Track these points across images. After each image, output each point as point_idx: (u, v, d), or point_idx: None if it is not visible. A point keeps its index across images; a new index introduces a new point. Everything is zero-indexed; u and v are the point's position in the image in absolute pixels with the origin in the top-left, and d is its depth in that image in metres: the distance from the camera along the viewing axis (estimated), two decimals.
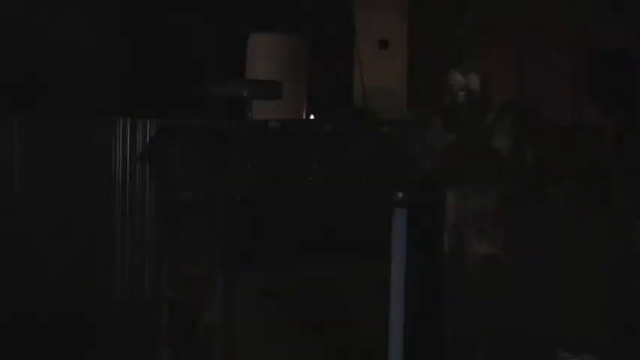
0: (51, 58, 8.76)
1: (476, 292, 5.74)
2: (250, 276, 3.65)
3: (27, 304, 6.51)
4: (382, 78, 8.38)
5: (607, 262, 5.77)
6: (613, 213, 5.97)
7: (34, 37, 8.66)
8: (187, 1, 11.25)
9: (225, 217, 3.75)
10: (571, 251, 5.94)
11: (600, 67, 8.79)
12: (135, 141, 6.89)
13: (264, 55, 6.81)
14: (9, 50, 8.42)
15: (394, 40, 9.39)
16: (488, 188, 6.16)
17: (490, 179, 6.16)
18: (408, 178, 4.00)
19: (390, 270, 3.26)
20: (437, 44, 9.28)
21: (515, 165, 6.11)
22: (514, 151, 6.16)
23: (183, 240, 3.92)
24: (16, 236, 6.58)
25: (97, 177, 6.86)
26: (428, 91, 6.73)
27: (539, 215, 6.09)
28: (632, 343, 4.96)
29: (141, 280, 6.95)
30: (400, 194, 3.26)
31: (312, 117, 7.21)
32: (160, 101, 10.46)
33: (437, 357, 4.87)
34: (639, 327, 5.00)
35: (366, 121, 5.66)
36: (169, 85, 11.06)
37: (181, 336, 3.79)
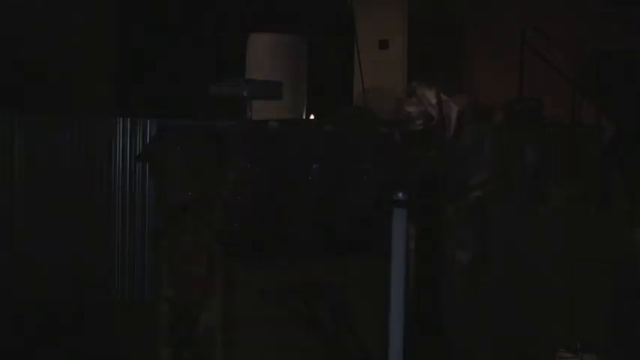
0: (51, 58, 8.77)
1: (475, 292, 5.74)
2: (250, 276, 3.65)
3: (27, 303, 6.51)
4: (382, 78, 8.38)
5: (607, 263, 5.77)
6: (613, 213, 5.97)
7: (35, 37, 8.67)
8: (187, 1, 11.28)
9: (225, 217, 3.75)
10: (571, 251, 5.93)
11: (601, 67, 8.80)
12: (135, 141, 6.90)
13: (264, 55, 6.80)
14: (9, 50, 8.43)
15: (394, 40, 9.39)
16: (487, 189, 6.16)
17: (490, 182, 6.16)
18: (408, 178, 4.00)
19: (390, 270, 3.26)
20: (437, 44, 9.29)
21: (516, 166, 6.11)
22: (514, 152, 6.16)
23: (183, 240, 3.92)
24: (16, 236, 6.59)
25: (97, 177, 6.87)
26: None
27: (539, 215, 6.08)
28: (631, 344, 4.97)
29: (141, 280, 6.95)
30: (400, 194, 3.26)
31: (312, 117, 7.21)
32: (160, 101, 10.49)
33: (437, 357, 4.88)
34: (638, 327, 5.01)
35: (366, 121, 5.66)
36: (169, 85, 11.09)
37: (181, 336, 3.80)
